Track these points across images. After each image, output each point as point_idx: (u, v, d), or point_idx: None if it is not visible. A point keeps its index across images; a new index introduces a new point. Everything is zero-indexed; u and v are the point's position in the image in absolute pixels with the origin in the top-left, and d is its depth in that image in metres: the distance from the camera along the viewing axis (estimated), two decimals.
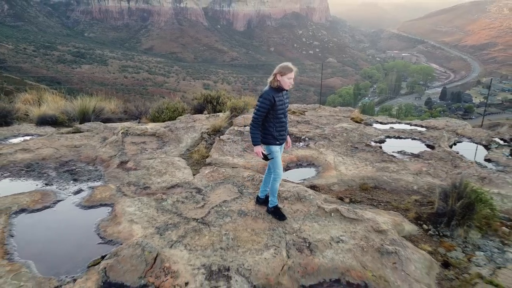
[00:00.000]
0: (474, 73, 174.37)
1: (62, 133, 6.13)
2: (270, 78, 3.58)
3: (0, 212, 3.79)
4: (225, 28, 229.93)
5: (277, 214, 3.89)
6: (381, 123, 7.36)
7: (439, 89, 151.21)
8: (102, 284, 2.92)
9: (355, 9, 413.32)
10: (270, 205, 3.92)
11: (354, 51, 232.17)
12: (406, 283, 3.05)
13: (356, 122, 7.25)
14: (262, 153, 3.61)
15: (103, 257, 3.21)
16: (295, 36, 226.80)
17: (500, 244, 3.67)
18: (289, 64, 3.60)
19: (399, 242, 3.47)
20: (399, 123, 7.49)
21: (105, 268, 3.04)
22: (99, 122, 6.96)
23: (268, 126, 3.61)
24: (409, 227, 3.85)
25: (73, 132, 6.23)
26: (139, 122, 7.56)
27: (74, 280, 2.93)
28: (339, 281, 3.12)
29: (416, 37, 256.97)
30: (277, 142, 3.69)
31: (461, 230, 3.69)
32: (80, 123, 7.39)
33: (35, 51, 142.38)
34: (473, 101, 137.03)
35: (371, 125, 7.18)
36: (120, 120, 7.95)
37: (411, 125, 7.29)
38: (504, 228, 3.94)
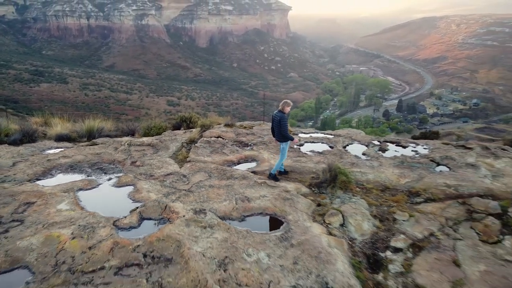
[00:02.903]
0: (428, 85, 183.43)
1: (83, 146, 8.74)
2: (280, 107, 7.03)
3: (68, 190, 6.46)
4: (188, 44, 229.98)
5: (275, 178, 7.09)
6: (304, 133, 10.54)
7: (396, 101, 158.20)
8: (140, 218, 5.70)
9: (314, 26, 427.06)
10: (272, 172, 7.18)
11: (314, 66, 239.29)
12: (295, 211, 6.06)
13: None
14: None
15: (136, 208, 6.00)
16: (257, 52, 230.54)
17: (351, 196, 6.79)
18: (290, 101, 7.17)
19: (295, 195, 6.51)
20: (317, 132, 10.70)
21: (140, 211, 5.84)
22: (107, 137, 9.60)
23: (286, 131, 6.96)
24: (305, 190, 6.91)
25: (91, 145, 8.85)
26: (132, 137, 10.24)
27: (125, 217, 5.70)
28: (262, 213, 6.10)
29: (372, 52, 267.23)
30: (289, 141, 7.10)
31: (330, 189, 6.80)
32: (87, 140, 10.00)
33: None
34: (427, 112, 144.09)
35: (297, 134, 10.33)
36: (116, 136, 10.56)
37: (324, 134, 10.49)
38: (357, 188, 7.10)
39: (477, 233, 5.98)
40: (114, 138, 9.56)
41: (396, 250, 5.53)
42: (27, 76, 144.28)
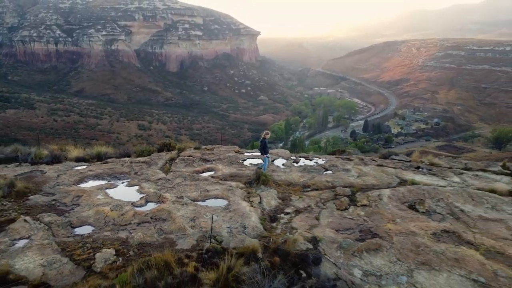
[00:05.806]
0: (392, 106, 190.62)
1: (99, 164, 13.08)
2: (262, 135, 12.11)
3: (100, 188, 10.87)
4: (158, 69, 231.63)
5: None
6: (247, 152, 15.36)
7: (362, 122, 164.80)
8: (146, 201, 10.22)
9: (281, 50, 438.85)
10: (263, 170, 11.91)
11: (283, 88, 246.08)
12: (234, 196, 10.76)
13: (236, 152, 15.16)
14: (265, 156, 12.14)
15: (143, 196, 10.51)
16: (227, 76, 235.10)
17: (268, 188, 11.56)
18: (267, 131, 12.31)
19: (235, 188, 11.22)
20: (256, 152, 15.55)
21: (145, 198, 10.36)
22: (114, 158, 13.98)
23: (265, 149, 11.76)
24: (241, 185, 11.63)
25: (104, 163, 13.20)
26: (129, 157, 14.61)
27: (138, 201, 10.20)
28: (215, 197, 10.75)
29: (339, 75, 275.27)
30: (268, 154, 12.00)
31: (256, 185, 11.59)
32: (97, 160, 14.33)
33: None
34: (392, 131, 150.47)
35: (243, 153, 15.15)
36: (116, 157, 14.89)
37: None
38: (274, 184, 11.91)
39: (335, 205, 10.83)
40: (119, 158, 13.99)
41: (287, 213, 10.29)
42: None
